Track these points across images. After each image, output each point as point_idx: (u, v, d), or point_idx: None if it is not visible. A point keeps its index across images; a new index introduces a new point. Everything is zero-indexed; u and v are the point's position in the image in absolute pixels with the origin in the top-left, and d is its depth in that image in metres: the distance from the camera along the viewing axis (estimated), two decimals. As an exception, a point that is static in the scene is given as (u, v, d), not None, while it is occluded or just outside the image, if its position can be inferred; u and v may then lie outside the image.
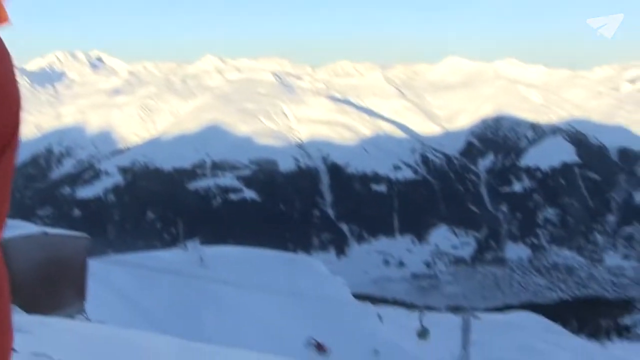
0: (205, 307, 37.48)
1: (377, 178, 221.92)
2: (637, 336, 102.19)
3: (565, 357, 56.08)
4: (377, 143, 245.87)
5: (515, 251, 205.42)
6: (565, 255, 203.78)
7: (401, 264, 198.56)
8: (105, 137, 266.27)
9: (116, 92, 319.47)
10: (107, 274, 35.15)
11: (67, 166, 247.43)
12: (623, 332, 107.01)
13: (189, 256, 48.87)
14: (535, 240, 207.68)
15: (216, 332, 34.39)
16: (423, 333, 43.74)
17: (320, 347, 39.25)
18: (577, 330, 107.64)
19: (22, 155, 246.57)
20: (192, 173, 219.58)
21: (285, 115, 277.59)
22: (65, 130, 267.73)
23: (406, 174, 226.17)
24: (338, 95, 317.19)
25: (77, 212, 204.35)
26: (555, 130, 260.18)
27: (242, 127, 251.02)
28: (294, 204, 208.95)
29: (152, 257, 45.95)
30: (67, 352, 7.04)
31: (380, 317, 53.62)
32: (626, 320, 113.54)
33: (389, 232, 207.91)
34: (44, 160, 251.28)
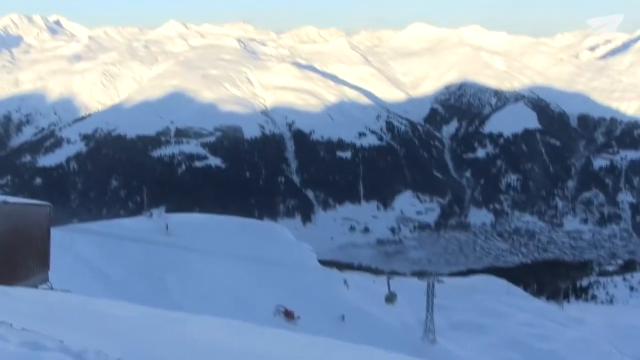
0: (172, 275, 37.32)
1: (342, 145, 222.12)
2: (593, 297, 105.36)
3: (525, 319, 57.54)
4: (342, 109, 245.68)
5: (479, 216, 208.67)
6: (526, 220, 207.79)
7: (366, 230, 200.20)
8: (66, 104, 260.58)
9: (77, 57, 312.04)
10: (71, 243, 34.73)
11: (27, 134, 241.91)
12: (580, 293, 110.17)
13: (154, 224, 48.50)
14: (497, 206, 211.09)
15: (183, 299, 34.35)
16: (391, 297, 44.42)
17: (288, 314, 39.48)
18: (537, 292, 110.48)
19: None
20: (156, 140, 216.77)
21: (250, 82, 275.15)
22: (24, 97, 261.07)
23: (371, 140, 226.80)
24: (303, 62, 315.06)
25: (38, 180, 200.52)
26: (517, 97, 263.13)
27: (206, 94, 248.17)
28: (259, 171, 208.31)
29: (116, 225, 45.49)
30: (30, 320, 6.93)
31: (346, 282, 54.17)
32: (583, 282, 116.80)
33: (354, 198, 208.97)
34: (3, 127, 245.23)
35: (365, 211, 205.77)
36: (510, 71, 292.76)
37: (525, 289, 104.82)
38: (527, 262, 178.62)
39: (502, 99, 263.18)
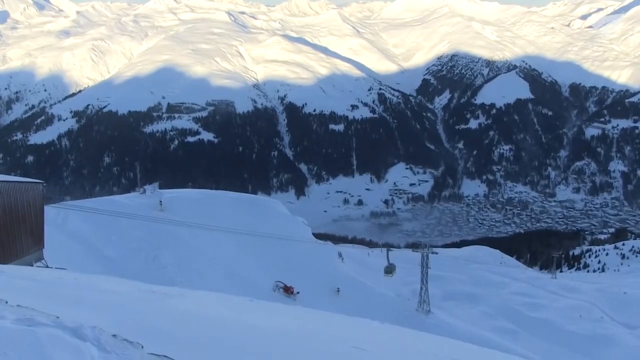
0: (166, 251, 37.35)
1: (334, 117, 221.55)
2: (585, 265, 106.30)
3: (518, 288, 58.13)
4: (334, 82, 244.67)
5: (472, 187, 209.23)
6: (519, 190, 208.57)
7: (360, 202, 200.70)
8: (56, 80, 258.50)
9: (65, 33, 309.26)
10: (64, 221, 34.68)
11: (18, 111, 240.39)
12: (573, 262, 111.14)
13: (147, 200, 48.40)
14: (490, 177, 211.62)
15: (178, 275, 34.44)
16: (390, 269, 44.70)
17: (287, 290, 39.62)
18: (530, 261, 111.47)
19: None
20: (148, 116, 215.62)
21: (241, 55, 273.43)
22: (13, 74, 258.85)
23: (363, 112, 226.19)
24: (294, 34, 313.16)
25: (30, 158, 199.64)
26: (509, 67, 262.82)
27: (197, 68, 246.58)
28: (252, 145, 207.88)
29: (110, 202, 45.36)
30: (26, 297, 6.95)
31: (341, 255, 54.47)
32: (576, 250, 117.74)
33: (347, 171, 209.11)
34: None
35: (358, 184, 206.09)
36: (502, 41, 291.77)
37: (518, 258, 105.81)
38: (520, 232, 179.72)
39: (494, 69, 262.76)
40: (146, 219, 37.17)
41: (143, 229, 38.02)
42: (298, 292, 39.45)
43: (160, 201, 47.49)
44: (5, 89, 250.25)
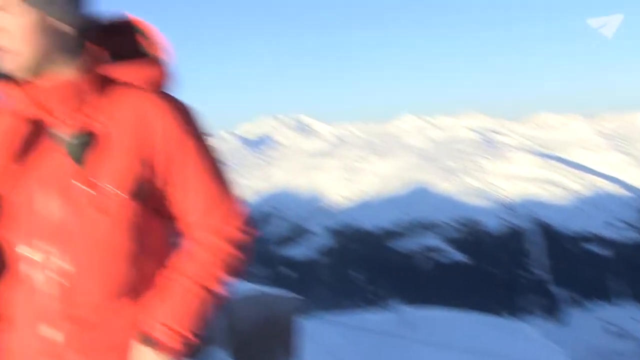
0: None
1: (593, 238, 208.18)
2: None
3: None
4: (590, 200, 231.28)
5: None
6: None
7: (626, 334, 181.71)
8: (311, 198, 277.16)
9: (321, 154, 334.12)
10: (316, 333, 35.48)
11: (276, 226, 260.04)
12: None
13: (394, 317, 48.15)
14: None
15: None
16: None
17: None
18: None
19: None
20: (396, 233, 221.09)
21: (489, 173, 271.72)
22: (275, 192, 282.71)
23: (628, 234, 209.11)
24: (543, 150, 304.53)
25: (286, 271, 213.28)
26: None
27: (444, 186, 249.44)
28: (501, 266, 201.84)
29: (359, 317, 45.91)
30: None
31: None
32: None
33: (609, 297, 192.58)
34: (256, 220, 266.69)
35: (624, 312, 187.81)
36: None
37: None
38: None
39: None
40: (394, 337, 36.70)
41: (391, 346, 37.51)
42: None
43: (408, 319, 47.00)
44: (267, 205, 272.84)
